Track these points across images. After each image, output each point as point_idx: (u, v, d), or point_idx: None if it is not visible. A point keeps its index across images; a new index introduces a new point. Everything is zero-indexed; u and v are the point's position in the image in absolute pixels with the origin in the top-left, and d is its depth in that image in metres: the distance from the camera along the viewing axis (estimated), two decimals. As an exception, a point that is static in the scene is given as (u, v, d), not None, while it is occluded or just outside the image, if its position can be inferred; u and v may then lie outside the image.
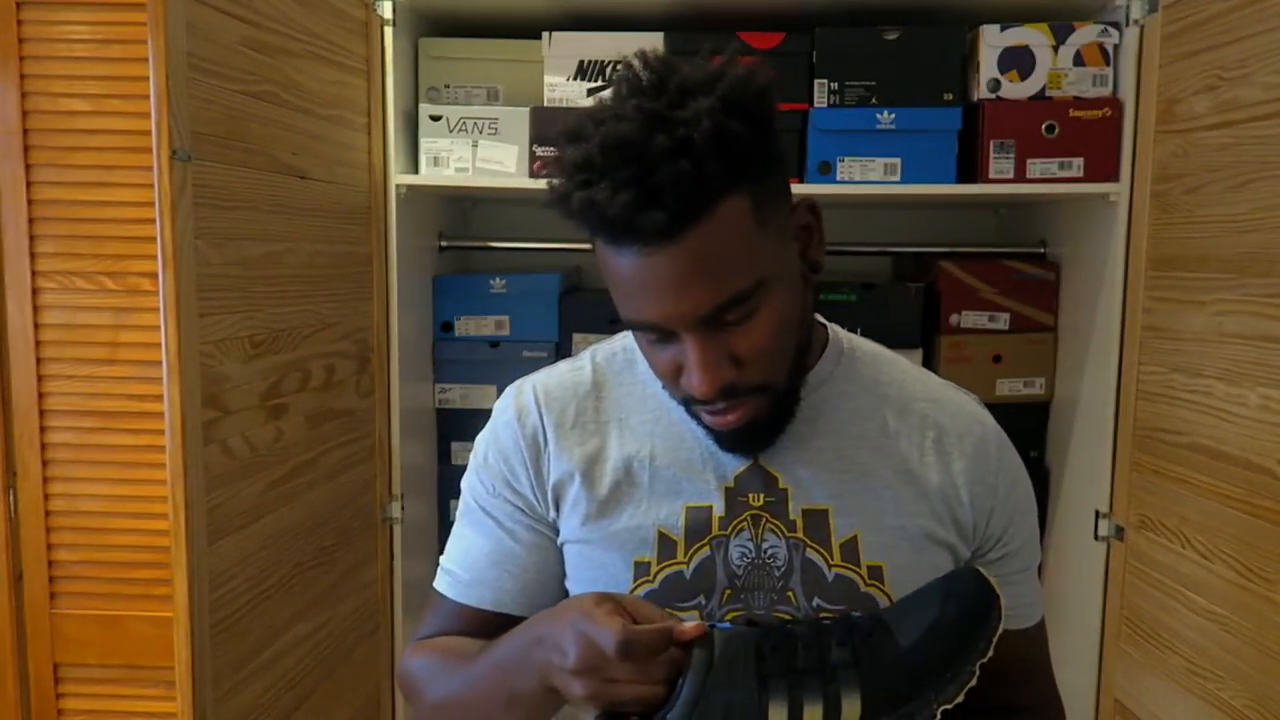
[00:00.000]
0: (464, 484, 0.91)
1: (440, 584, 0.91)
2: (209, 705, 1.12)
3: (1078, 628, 1.58)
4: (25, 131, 1.37)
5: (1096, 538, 1.52)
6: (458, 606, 0.88)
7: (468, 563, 0.89)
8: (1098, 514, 1.52)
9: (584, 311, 1.75)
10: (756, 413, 0.78)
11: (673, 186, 0.67)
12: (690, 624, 0.70)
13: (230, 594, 1.17)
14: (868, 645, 0.72)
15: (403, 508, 1.62)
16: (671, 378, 0.77)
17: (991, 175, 1.54)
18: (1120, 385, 1.49)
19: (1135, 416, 1.44)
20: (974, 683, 0.73)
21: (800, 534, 0.82)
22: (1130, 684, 1.44)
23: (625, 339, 0.91)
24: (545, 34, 1.61)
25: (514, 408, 0.88)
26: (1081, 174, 1.53)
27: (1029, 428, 1.75)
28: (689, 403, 0.79)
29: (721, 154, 0.68)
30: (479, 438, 0.90)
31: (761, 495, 0.83)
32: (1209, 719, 1.25)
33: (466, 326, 1.78)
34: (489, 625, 0.86)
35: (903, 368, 0.90)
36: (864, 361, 0.89)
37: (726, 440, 0.81)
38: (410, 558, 1.65)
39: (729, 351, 0.74)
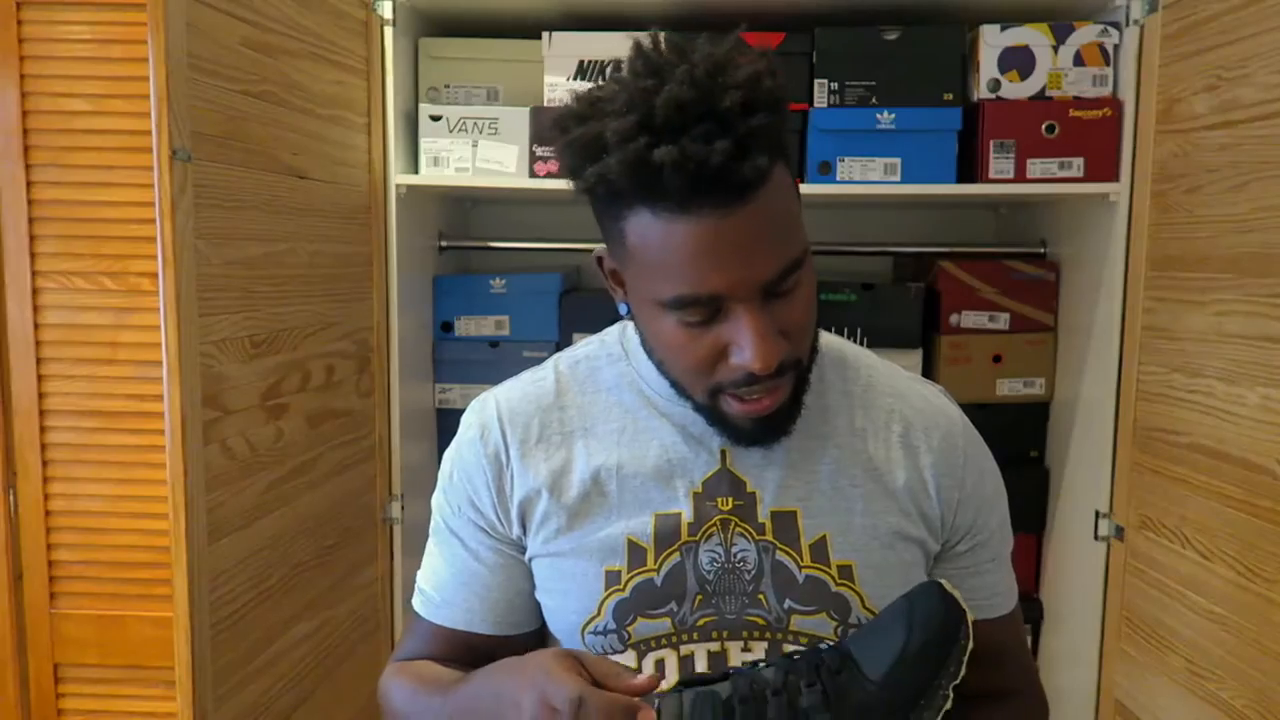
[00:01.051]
0: (433, 501, 0.91)
1: (416, 603, 0.92)
2: (209, 705, 1.12)
3: (1078, 628, 1.58)
4: (25, 131, 1.36)
5: (1096, 538, 1.52)
6: (432, 626, 0.89)
7: (437, 583, 0.90)
8: (1098, 514, 1.52)
9: (584, 311, 1.75)
10: (785, 396, 0.77)
11: (762, 134, 0.67)
12: (643, 678, 0.69)
13: (230, 594, 1.17)
14: (837, 684, 0.71)
15: (403, 508, 1.62)
16: (708, 364, 0.75)
17: (991, 175, 1.54)
18: (1120, 385, 1.49)
19: (1135, 416, 1.44)
20: (949, 705, 0.72)
21: (770, 536, 0.82)
22: (1130, 684, 1.44)
23: (587, 346, 0.90)
24: (545, 34, 1.61)
25: (477, 425, 0.87)
26: (1081, 174, 1.53)
27: (1029, 428, 1.75)
28: (718, 391, 0.76)
29: (775, 114, 0.69)
30: (445, 454, 0.90)
31: (730, 499, 0.82)
32: (1209, 719, 1.25)
33: (466, 326, 1.78)
34: (463, 643, 0.88)
35: (868, 363, 0.90)
36: (829, 359, 0.88)
37: (748, 433, 0.79)
38: (410, 558, 1.65)
39: (778, 325, 0.73)
